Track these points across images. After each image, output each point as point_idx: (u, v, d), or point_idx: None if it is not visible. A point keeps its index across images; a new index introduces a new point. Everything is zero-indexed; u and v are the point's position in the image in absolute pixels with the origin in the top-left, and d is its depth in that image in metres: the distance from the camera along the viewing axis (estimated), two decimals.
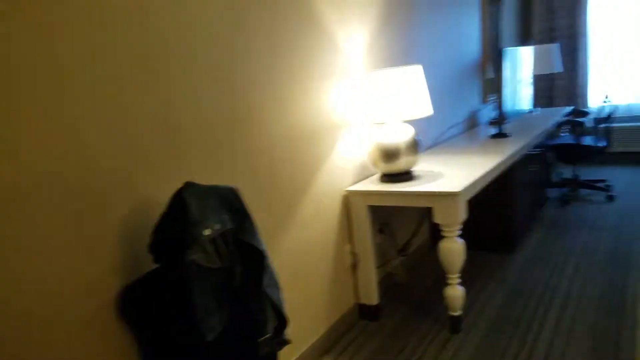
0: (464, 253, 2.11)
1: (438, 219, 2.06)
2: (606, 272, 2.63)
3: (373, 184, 2.30)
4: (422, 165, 2.55)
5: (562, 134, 4.33)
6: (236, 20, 1.67)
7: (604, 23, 4.99)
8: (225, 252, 1.05)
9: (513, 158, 2.68)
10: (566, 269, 2.73)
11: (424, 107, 2.19)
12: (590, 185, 3.96)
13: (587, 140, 3.89)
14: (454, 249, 2.08)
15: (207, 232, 1.02)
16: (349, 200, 2.32)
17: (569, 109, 4.25)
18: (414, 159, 2.25)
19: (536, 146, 3.37)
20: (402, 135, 2.21)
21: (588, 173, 4.65)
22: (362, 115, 2.22)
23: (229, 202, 1.09)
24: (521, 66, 3.37)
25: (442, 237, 2.11)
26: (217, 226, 1.03)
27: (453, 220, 2.03)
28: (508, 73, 3.03)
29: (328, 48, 2.13)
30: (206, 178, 1.57)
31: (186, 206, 1.02)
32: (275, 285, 1.15)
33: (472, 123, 3.82)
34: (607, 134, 3.81)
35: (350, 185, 2.35)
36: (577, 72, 5.02)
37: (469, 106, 3.74)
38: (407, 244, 2.90)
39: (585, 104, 5.07)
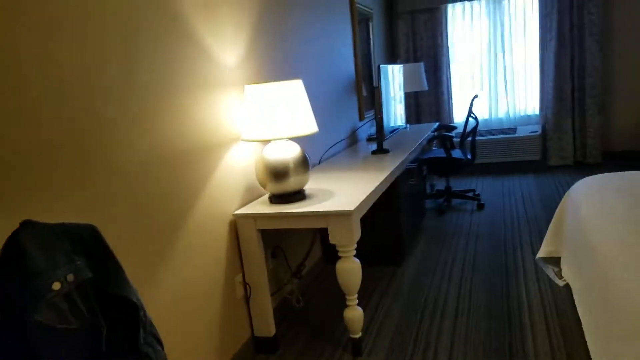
0: (360, 273, 2.02)
1: (334, 239, 1.95)
2: (489, 278, 2.75)
3: (262, 206, 2.13)
4: (312, 183, 2.45)
5: (434, 148, 4.58)
6: (83, 17, 1.40)
7: (461, 44, 5.47)
8: (84, 309, 0.80)
9: (396, 172, 2.71)
10: (453, 277, 2.81)
11: (309, 124, 2.09)
12: (462, 195, 4.22)
13: (456, 154, 4.15)
14: (351, 269, 1.98)
15: (56, 285, 0.77)
16: (237, 225, 2.12)
17: (436, 124, 4.52)
18: (304, 178, 2.13)
19: (412, 160, 3.48)
20: (290, 153, 2.08)
21: (458, 184, 4.99)
22: (245, 132, 2.05)
23: (84, 243, 0.84)
24: (393, 83, 3.47)
25: (338, 257, 2.00)
26: (70, 276, 0.78)
27: (349, 240, 1.93)
28: (383, 89, 3.09)
29: (198, 56, 1.93)
30: (52, 214, 1.27)
31: (24, 253, 0.76)
32: (154, 341, 0.91)
33: (352, 139, 3.85)
34: (473, 146, 4.11)
35: (238, 209, 2.15)
36: (441, 90, 5.40)
37: (349, 123, 3.76)
38: (300, 265, 2.76)
39: (451, 119, 5.47)
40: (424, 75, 4.45)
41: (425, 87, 4.42)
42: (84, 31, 1.38)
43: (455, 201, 4.39)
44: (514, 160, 5.25)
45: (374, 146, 3.51)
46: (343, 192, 2.19)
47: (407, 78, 4.34)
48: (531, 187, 4.57)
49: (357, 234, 1.96)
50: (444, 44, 5.33)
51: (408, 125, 4.57)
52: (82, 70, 1.36)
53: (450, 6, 5.35)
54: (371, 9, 4.52)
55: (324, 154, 3.15)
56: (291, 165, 2.07)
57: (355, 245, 1.98)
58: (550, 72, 5.01)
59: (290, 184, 2.09)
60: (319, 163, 3.04)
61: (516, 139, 5.17)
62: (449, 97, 5.44)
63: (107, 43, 1.46)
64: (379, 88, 2.98)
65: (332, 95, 3.38)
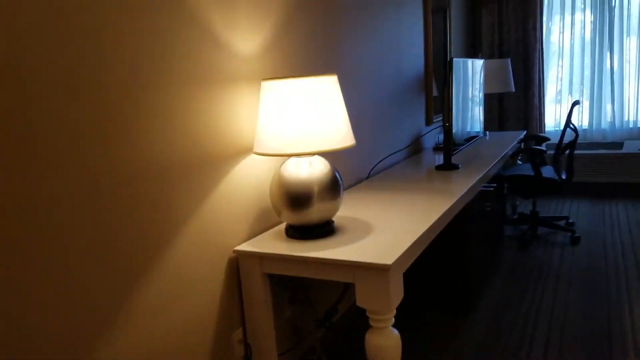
0: (400, 349, 1.44)
1: (363, 301, 1.39)
2: (585, 344, 2.05)
3: (274, 241, 1.61)
4: (348, 208, 1.90)
5: (519, 162, 3.84)
6: None
7: (559, 39, 4.63)
8: None
9: (465, 199, 2.08)
10: (536, 340, 2.13)
11: (343, 136, 1.53)
12: (552, 223, 3.46)
13: (548, 172, 3.40)
14: (386, 345, 1.41)
15: None
16: (239, 265, 1.62)
17: (523, 133, 3.78)
18: (332, 207, 1.58)
19: (491, 179, 2.82)
20: (315, 173, 1.55)
21: (547, 207, 4.19)
22: (258, 143, 1.55)
23: None
24: (473, 82, 2.82)
25: (369, 326, 1.44)
26: None
27: (384, 305, 1.36)
28: (455, 89, 2.46)
29: (197, 36, 1.44)
30: None
31: None
32: None
33: (416, 147, 3.24)
34: (570, 164, 3.33)
35: (242, 242, 1.65)
36: (532, 92, 4.60)
37: (413, 128, 3.15)
38: (331, 310, 2.22)
39: (541, 128, 4.65)
40: (510, 74, 3.72)
41: (511, 88, 3.69)
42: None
43: (542, 230, 3.63)
44: (620, 182, 4.36)
45: (441, 158, 2.88)
46: (386, 228, 1.62)
47: (490, 77, 3.64)
48: None
49: (396, 297, 1.39)
50: (537, 39, 4.53)
51: (487, 132, 3.86)
52: None
53: None
54: None
55: (375, 165, 2.58)
56: (315, 189, 1.53)
57: (394, 312, 1.41)
58: None
59: (313, 214, 1.56)
60: (368, 177, 2.48)
61: (623, 156, 4.28)
62: (540, 102, 4.63)
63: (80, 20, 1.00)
64: (449, 87, 2.35)
65: (393, 94, 2.80)
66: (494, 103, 4.79)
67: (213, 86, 1.50)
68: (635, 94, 4.41)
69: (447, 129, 2.40)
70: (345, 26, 2.25)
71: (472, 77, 2.79)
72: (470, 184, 2.16)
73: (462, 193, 2.02)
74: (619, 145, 4.48)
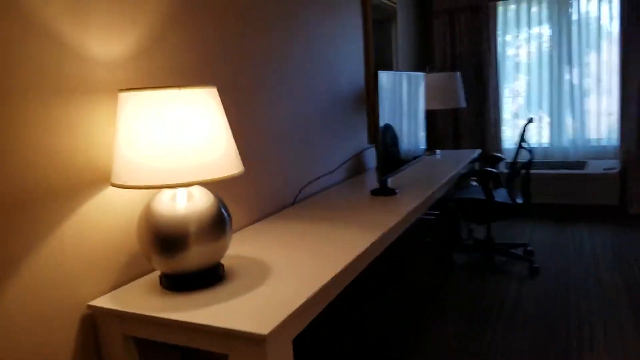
0: None
1: None
2: None
3: (142, 295, 1.28)
4: (254, 243, 1.58)
5: (472, 184, 3.61)
6: None
7: (517, 53, 4.48)
8: None
9: (397, 230, 1.80)
10: None
11: (226, 161, 1.23)
12: (508, 251, 3.22)
13: (501, 195, 3.17)
14: None
15: None
16: (96, 326, 1.28)
17: (477, 152, 3.56)
18: (216, 249, 1.27)
19: (441, 201, 2.55)
20: (193, 207, 1.23)
21: (504, 232, 3.96)
22: (116, 172, 1.23)
23: None
24: (411, 97, 2.57)
25: None
26: None
27: None
28: (389, 104, 2.19)
29: (33, 33, 1.12)
30: None
31: None
32: None
33: (358, 167, 2.96)
34: (525, 186, 3.11)
35: (100, 295, 1.31)
36: (486, 108, 4.42)
37: (352, 147, 2.88)
38: None
39: (498, 146, 4.47)
40: (461, 89, 3.51)
41: (461, 103, 3.47)
42: None
43: (499, 258, 3.39)
44: (583, 204, 4.19)
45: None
46: (288, 273, 1.31)
47: (439, 91, 3.41)
48: (606, 243, 3.50)
49: None
50: (492, 51, 4.37)
51: (439, 151, 3.63)
52: None
53: (501, 4, 4.39)
54: (394, 3, 3.64)
55: (302, 190, 2.28)
56: (191, 229, 1.22)
57: None
58: (635, 94, 3.95)
59: (190, 259, 1.24)
60: (293, 203, 2.17)
61: (586, 176, 4.11)
62: (497, 119, 4.45)
63: None
64: (374, 101, 2.09)
65: (327, 111, 2.52)
66: (448, 119, 4.59)
67: (54, 98, 1.17)
68: (597, 110, 4.27)
69: (379, 149, 2.13)
70: (262, 38, 1.96)
71: (410, 91, 2.54)
72: (404, 214, 1.88)
73: (392, 225, 1.74)
74: (582, 164, 4.32)
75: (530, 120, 3.22)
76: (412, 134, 2.57)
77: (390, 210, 1.95)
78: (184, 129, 1.17)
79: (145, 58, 1.44)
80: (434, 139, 4.67)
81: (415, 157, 2.63)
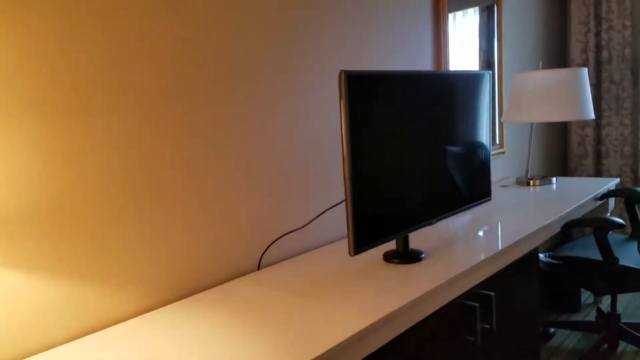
0: None
1: None
2: None
3: None
4: (156, 338, 1.14)
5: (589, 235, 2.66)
6: None
7: None
8: None
9: (411, 314, 1.19)
10: None
11: None
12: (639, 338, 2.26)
13: (629, 255, 2.23)
14: None
15: None
16: None
17: (612, 182, 2.61)
18: None
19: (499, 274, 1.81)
20: None
21: (633, 303, 2.89)
22: None
23: None
24: (456, 112, 1.84)
25: None
26: None
27: None
28: (362, 129, 1.54)
29: None
30: None
31: None
32: None
33: None
34: None
35: None
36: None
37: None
38: None
39: None
40: (586, 92, 2.58)
41: (585, 113, 2.55)
42: None
43: (629, 348, 2.41)
44: None
45: (420, 234, 1.93)
46: None
47: (544, 96, 2.55)
48: None
49: None
50: None
51: (555, 178, 2.77)
52: None
53: None
54: None
55: (268, 247, 1.77)
56: None
57: None
58: None
59: None
60: (259, 268, 1.68)
61: None
62: None
63: None
64: (343, 118, 1.45)
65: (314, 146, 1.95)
66: (589, 134, 3.55)
67: None
68: None
69: (347, 203, 1.50)
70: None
71: (453, 103, 1.81)
72: (420, 293, 1.28)
73: (391, 310, 1.14)
74: None
75: None
76: (459, 172, 1.81)
77: (402, 285, 1.36)
78: None
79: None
80: (560, 162, 3.68)
81: (463, 205, 1.86)
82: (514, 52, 3.12)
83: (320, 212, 1.87)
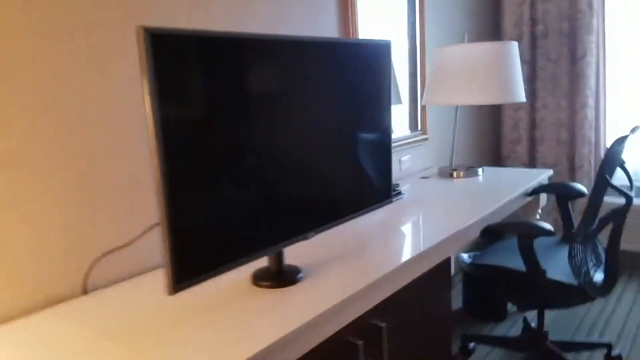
0: None
1: None
2: None
3: None
4: None
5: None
6: None
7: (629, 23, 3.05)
8: None
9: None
10: None
11: None
12: (584, 344, 2.00)
13: (557, 268, 1.94)
14: None
15: None
16: None
17: (544, 174, 2.33)
18: None
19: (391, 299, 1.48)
20: None
21: (570, 318, 2.66)
22: None
23: None
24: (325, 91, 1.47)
25: None
26: None
27: None
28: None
29: None
30: None
31: None
32: None
33: None
34: (612, 249, 1.86)
35: None
36: (581, 102, 3.05)
37: None
38: None
39: (594, 165, 3.10)
40: (516, 70, 2.27)
41: (515, 96, 2.24)
42: None
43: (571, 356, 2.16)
44: None
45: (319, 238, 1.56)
46: None
47: (471, 75, 2.22)
48: None
49: None
50: (595, 10, 2.99)
51: (481, 169, 2.47)
52: None
53: None
54: None
55: (96, 262, 1.36)
56: None
57: None
58: None
59: None
60: (86, 292, 1.26)
61: None
62: (596, 122, 3.08)
63: None
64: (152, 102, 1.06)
65: None
66: (523, 118, 3.28)
67: None
68: None
69: (163, 223, 1.12)
70: None
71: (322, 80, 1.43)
72: (290, 328, 0.90)
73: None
74: None
75: (635, 129, 1.96)
76: (345, 168, 1.44)
77: (270, 319, 0.98)
78: None
79: None
80: (494, 148, 3.41)
81: (350, 213, 1.48)
82: (440, 25, 2.78)
83: (148, 227, 1.45)
